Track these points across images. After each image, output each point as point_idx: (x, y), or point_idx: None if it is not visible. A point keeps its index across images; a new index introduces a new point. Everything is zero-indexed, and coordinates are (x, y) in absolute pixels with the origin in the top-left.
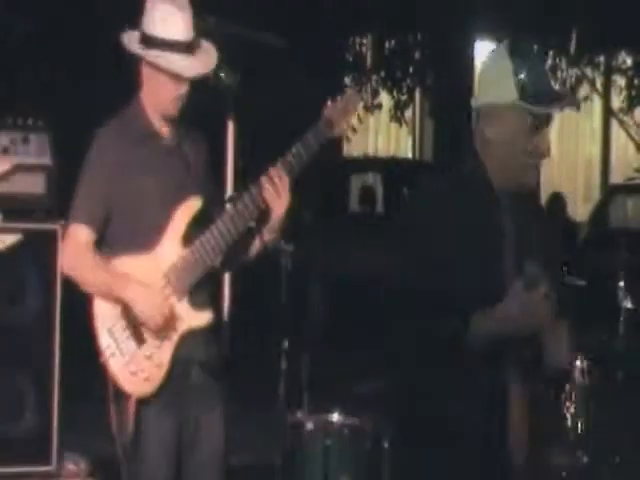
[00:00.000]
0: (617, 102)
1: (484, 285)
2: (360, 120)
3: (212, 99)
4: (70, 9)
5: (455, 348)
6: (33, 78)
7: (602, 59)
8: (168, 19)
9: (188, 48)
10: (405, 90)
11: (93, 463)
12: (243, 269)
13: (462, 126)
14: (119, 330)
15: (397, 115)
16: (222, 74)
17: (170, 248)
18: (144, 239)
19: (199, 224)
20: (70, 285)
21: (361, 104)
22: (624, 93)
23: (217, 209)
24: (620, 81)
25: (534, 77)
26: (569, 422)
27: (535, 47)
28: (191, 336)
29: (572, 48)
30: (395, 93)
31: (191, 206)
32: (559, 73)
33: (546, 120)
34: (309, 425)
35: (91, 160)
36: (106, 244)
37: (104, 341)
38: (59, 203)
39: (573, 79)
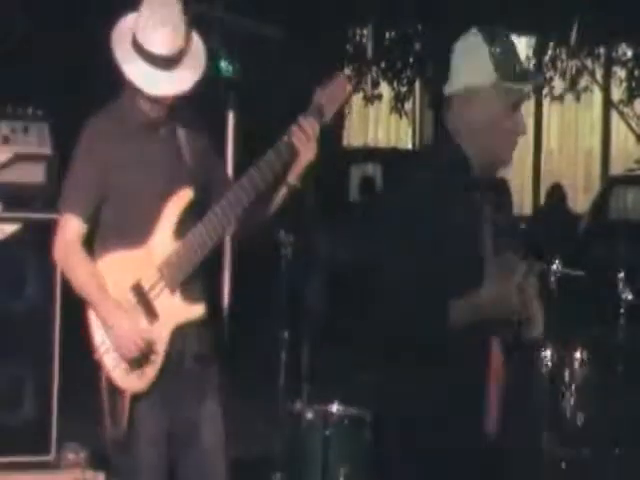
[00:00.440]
0: (617, 94)
1: (465, 270)
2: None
3: (211, 90)
4: None
5: (438, 331)
6: (34, 67)
7: (602, 51)
8: (150, 30)
9: (168, 63)
10: (405, 82)
11: (93, 453)
12: (243, 259)
13: None
14: None
15: (397, 106)
16: (222, 64)
17: (162, 241)
18: (136, 232)
19: (194, 214)
20: None
21: (361, 94)
22: (624, 85)
23: (224, 191)
24: (620, 73)
25: (509, 57)
26: (568, 413)
27: (501, 30)
28: (184, 329)
29: (572, 39)
30: (395, 84)
31: (182, 197)
32: (559, 64)
33: (522, 97)
34: (309, 415)
35: (80, 150)
36: (99, 236)
37: (98, 337)
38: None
39: (573, 70)
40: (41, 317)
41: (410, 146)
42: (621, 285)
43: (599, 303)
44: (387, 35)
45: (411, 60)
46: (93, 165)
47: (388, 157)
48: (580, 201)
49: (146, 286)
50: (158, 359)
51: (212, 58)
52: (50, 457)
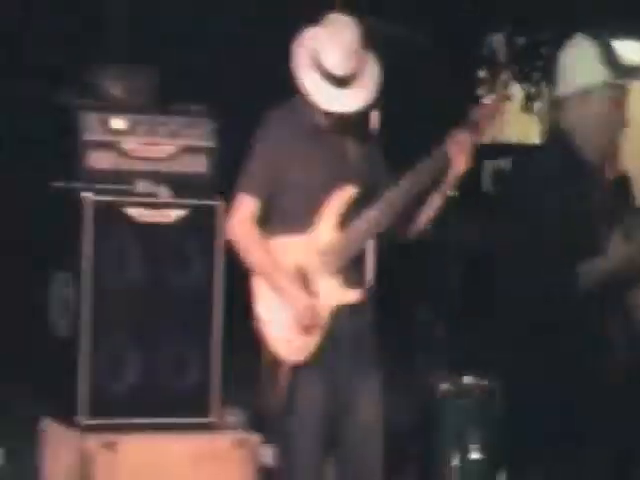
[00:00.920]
0: None
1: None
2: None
3: None
4: None
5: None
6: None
7: None
8: (329, 50)
9: (343, 82)
10: (534, 83)
11: (251, 417)
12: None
13: None
14: (275, 298)
15: (527, 105)
16: None
17: (325, 231)
18: (301, 221)
19: (356, 211)
20: (231, 254)
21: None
22: None
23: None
24: None
25: (614, 56)
26: None
27: (601, 32)
28: (343, 311)
29: None
30: (525, 86)
31: (346, 193)
32: None
33: (626, 93)
34: (443, 387)
35: (261, 137)
36: (266, 222)
37: (261, 309)
38: (220, 183)
39: None
40: (204, 292)
41: (538, 142)
42: None
43: None
44: (518, 41)
45: (540, 64)
46: (270, 152)
47: (519, 152)
48: None
49: (308, 268)
50: (319, 333)
51: None
52: (211, 419)
